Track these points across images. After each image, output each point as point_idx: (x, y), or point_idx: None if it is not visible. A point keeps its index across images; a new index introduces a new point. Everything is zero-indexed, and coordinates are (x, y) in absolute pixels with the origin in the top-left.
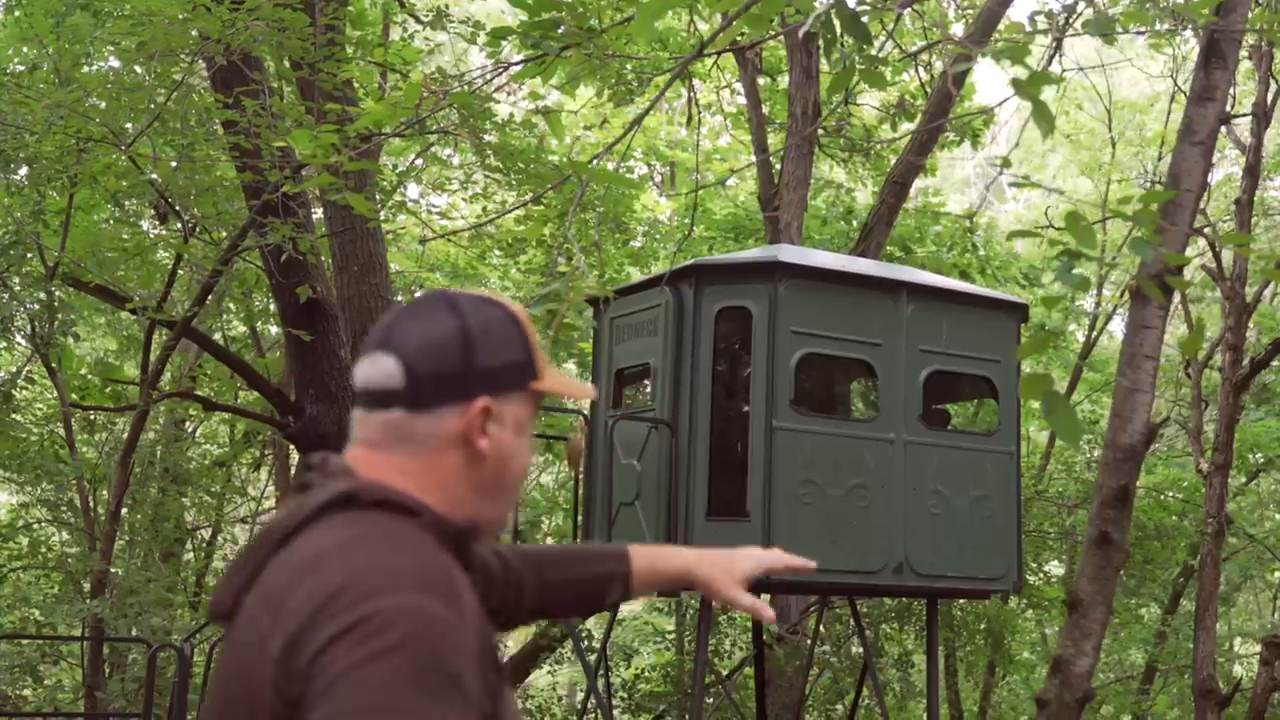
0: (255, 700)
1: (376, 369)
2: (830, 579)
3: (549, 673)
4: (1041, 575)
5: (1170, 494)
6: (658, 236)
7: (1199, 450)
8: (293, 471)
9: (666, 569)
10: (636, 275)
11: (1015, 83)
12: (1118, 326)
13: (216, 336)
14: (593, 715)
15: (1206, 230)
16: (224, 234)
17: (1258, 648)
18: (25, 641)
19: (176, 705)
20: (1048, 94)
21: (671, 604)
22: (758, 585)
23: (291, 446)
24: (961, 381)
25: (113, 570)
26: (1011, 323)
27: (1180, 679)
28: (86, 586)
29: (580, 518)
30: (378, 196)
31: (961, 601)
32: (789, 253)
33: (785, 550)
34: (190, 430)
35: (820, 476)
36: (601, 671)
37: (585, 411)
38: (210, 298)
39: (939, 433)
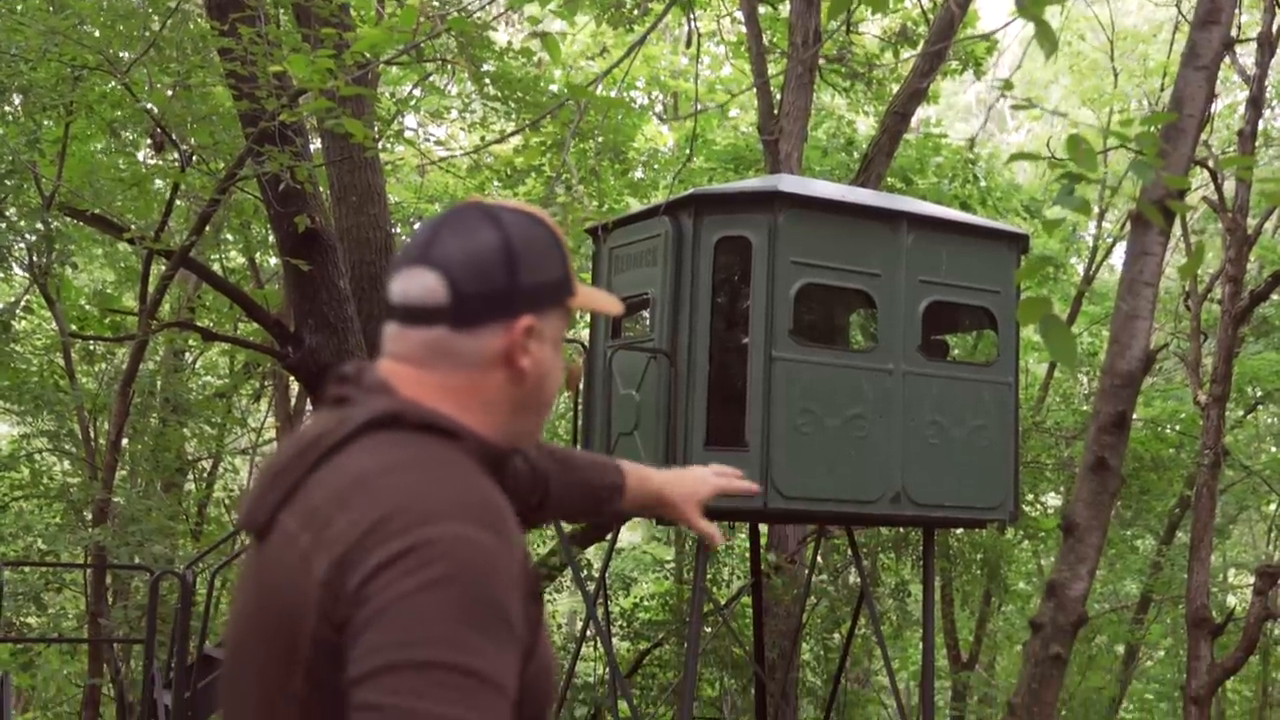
0: (295, 620)
1: (416, 284)
2: (828, 508)
3: (548, 601)
4: (1038, 507)
5: (1168, 426)
6: (657, 167)
7: (1196, 382)
8: (293, 403)
9: (648, 489)
10: (636, 206)
11: (1018, 1)
12: (1118, 259)
13: (215, 267)
14: (592, 643)
15: (1209, 160)
16: (221, 164)
17: (1251, 579)
18: (28, 569)
19: (179, 631)
20: (1052, 18)
21: (670, 534)
22: (762, 516)
23: (291, 378)
24: (960, 312)
25: (114, 499)
26: (1012, 253)
27: (1174, 609)
28: (88, 515)
29: (580, 448)
30: (375, 125)
31: (958, 531)
32: (789, 182)
33: (784, 479)
34: (190, 361)
35: (818, 406)
36: (600, 600)
37: (584, 340)
38: (208, 228)
39: (937, 363)
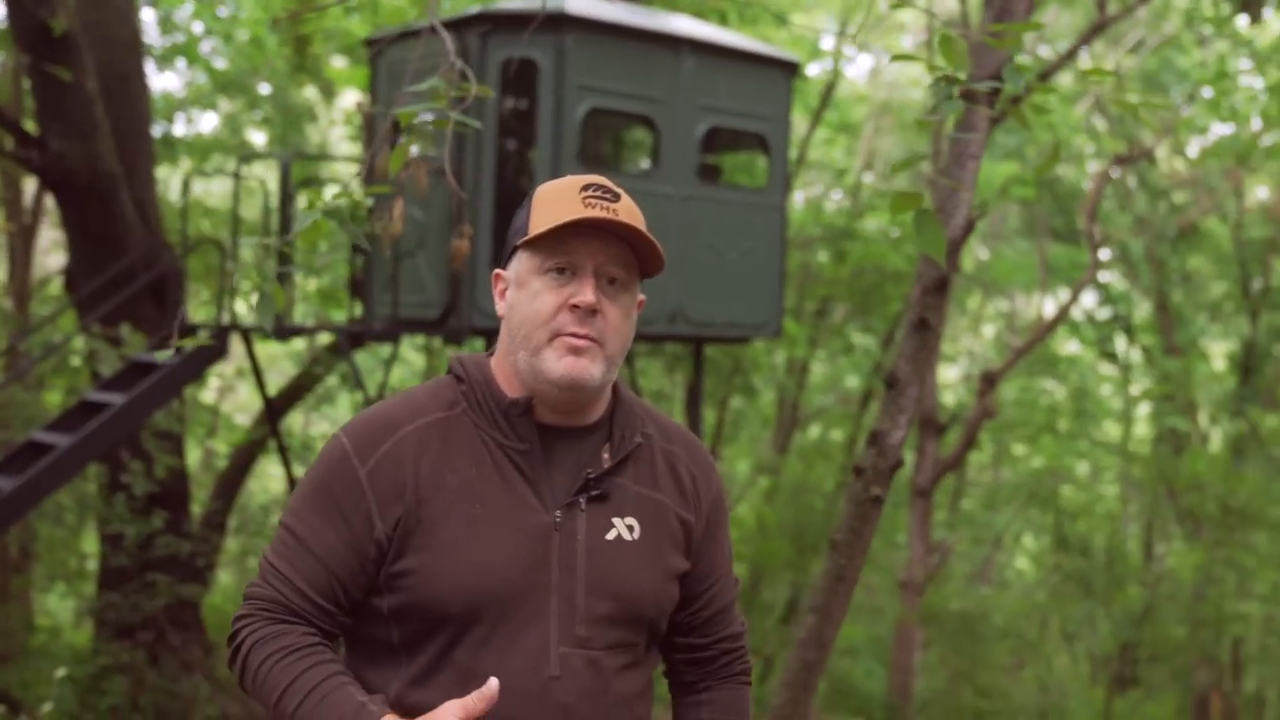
0: None
1: None
2: None
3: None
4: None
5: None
6: None
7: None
8: (28, 199)
9: None
10: (412, 16)
11: None
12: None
13: None
14: None
15: None
16: None
17: (956, 372)
18: None
19: None
20: None
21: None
22: None
23: (24, 177)
24: (723, 135)
25: None
26: (785, 79)
27: None
28: None
29: (360, 265)
30: None
31: None
32: (574, 3)
33: None
34: None
35: None
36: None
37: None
38: None
39: (714, 188)
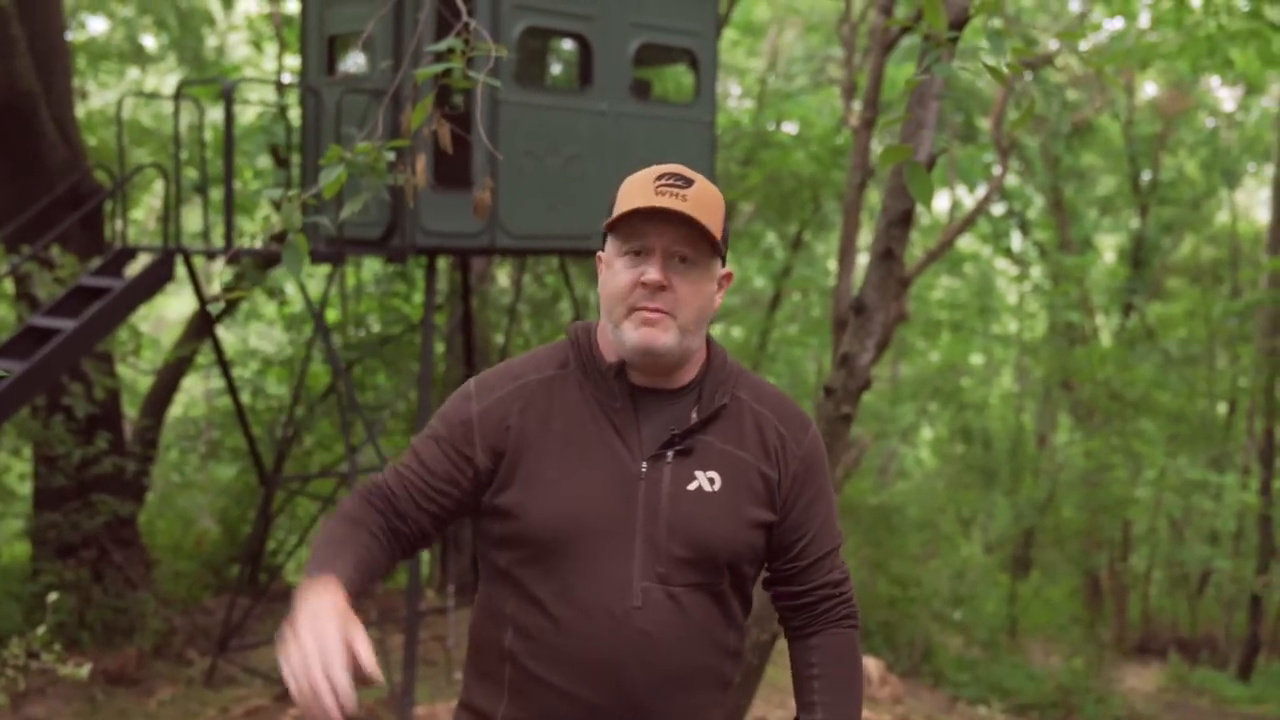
0: None
1: None
2: (549, 244)
3: None
4: None
5: (818, 145)
6: None
7: (849, 106)
8: None
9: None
10: None
11: None
12: None
13: None
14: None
15: None
16: None
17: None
18: None
19: None
20: None
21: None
22: (491, 251)
23: None
24: (650, 51)
25: None
26: None
27: (804, 300)
28: None
29: (302, 183)
30: None
31: None
32: None
33: (511, 218)
34: None
35: (540, 148)
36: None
37: (291, 80)
38: None
39: (645, 104)
